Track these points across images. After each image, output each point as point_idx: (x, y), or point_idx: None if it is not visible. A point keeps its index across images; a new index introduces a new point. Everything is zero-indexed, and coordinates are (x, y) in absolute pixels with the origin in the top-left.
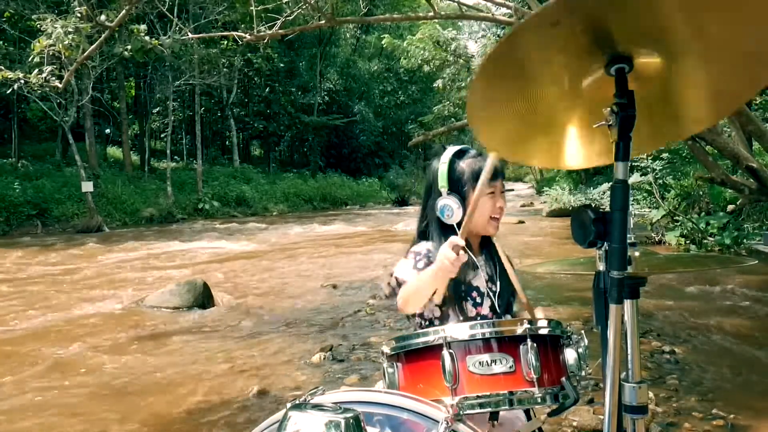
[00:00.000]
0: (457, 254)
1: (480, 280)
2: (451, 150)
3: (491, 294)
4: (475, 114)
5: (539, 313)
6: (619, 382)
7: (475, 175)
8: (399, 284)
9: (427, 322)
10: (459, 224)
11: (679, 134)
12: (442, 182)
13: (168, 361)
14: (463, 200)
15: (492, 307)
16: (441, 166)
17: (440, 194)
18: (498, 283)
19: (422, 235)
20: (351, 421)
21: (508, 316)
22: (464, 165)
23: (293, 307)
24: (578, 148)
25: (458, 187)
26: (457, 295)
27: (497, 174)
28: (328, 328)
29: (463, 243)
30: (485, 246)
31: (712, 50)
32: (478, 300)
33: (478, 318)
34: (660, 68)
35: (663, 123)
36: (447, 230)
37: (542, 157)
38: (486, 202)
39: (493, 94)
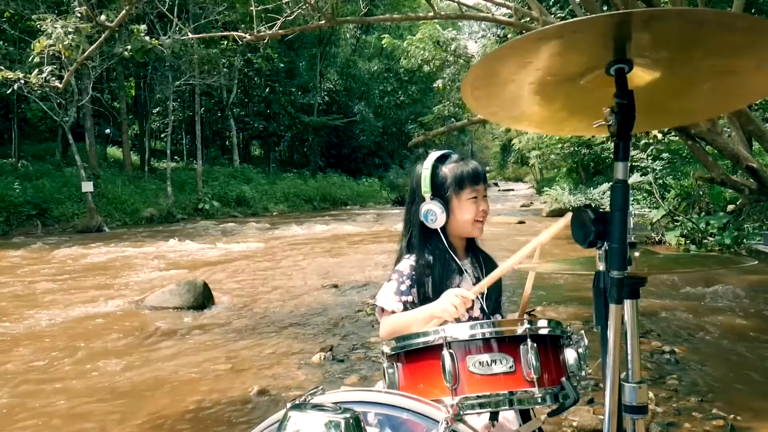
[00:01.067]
0: (457, 307)
1: (467, 283)
2: (433, 155)
3: (479, 296)
4: (469, 86)
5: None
6: (619, 382)
7: (458, 180)
8: (383, 311)
9: None
10: (443, 229)
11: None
12: (425, 188)
13: (168, 361)
14: (446, 205)
15: (481, 309)
16: (424, 171)
17: (423, 199)
18: None
19: (408, 245)
20: (351, 421)
21: (498, 316)
22: (447, 170)
23: (293, 307)
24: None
25: (441, 192)
26: None
27: (479, 178)
28: (328, 328)
29: (469, 303)
30: (471, 249)
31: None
32: None
33: (470, 321)
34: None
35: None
36: (430, 235)
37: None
38: (469, 206)
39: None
